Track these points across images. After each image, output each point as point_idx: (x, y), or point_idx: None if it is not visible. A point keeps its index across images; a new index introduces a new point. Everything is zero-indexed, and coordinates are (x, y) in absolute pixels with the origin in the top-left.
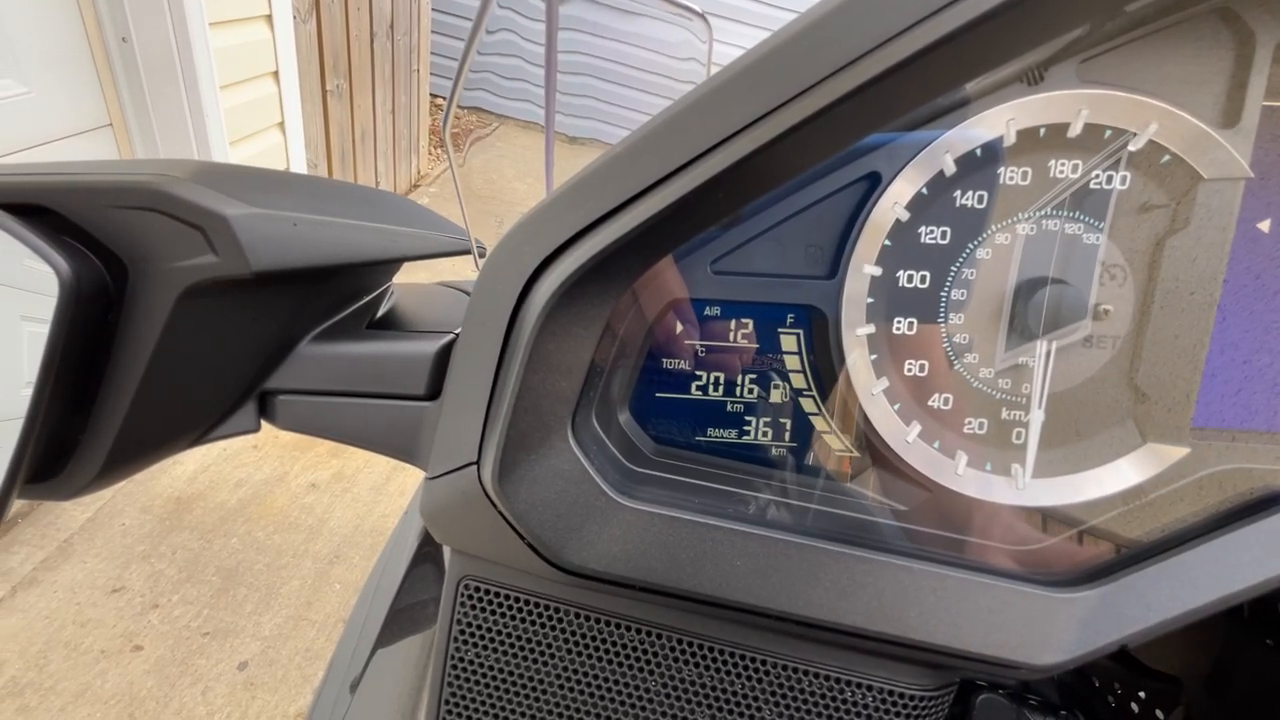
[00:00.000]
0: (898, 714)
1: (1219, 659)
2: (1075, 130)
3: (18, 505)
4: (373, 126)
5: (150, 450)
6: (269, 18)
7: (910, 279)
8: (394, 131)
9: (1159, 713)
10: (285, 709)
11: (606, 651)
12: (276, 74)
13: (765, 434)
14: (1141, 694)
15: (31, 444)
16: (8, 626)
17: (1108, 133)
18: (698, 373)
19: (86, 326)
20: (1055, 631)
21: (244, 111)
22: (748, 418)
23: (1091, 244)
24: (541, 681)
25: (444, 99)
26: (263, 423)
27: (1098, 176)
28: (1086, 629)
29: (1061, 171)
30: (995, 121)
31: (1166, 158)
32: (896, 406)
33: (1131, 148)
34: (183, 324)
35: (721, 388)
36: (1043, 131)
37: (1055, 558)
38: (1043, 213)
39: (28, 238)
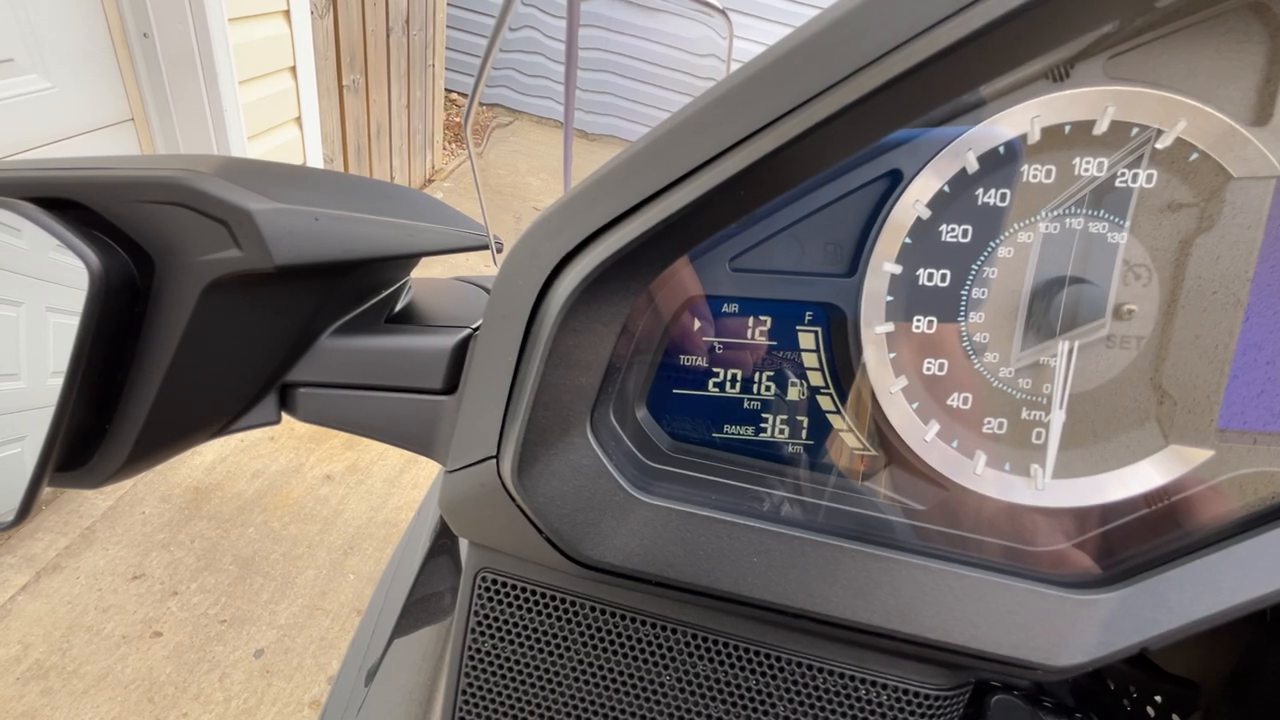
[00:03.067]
0: (912, 713)
1: (1239, 663)
2: (1101, 127)
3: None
4: (388, 121)
5: (174, 440)
6: (287, 13)
7: (930, 277)
8: (409, 127)
9: (1175, 717)
10: (300, 696)
11: (622, 645)
12: (294, 69)
13: (782, 431)
14: (1157, 698)
15: (61, 433)
16: (32, 611)
17: (1135, 130)
18: (715, 370)
19: (114, 319)
20: (1075, 633)
21: (262, 107)
22: (764, 415)
23: (1115, 243)
24: (557, 674)
25: (459, 94)
26: (282, 415)
27: (1123, 174)
28: (1107, 631)
29: (1086, 169)
30: (1020, 118)
31: (1195, 155)
32: (915, 405)
33: (1159, 145)
34: (207, 317)
35: (739, 385)
36: (1068, 129)
37: (1075, 559)
38: (1066, 211)
39: (59, 231)
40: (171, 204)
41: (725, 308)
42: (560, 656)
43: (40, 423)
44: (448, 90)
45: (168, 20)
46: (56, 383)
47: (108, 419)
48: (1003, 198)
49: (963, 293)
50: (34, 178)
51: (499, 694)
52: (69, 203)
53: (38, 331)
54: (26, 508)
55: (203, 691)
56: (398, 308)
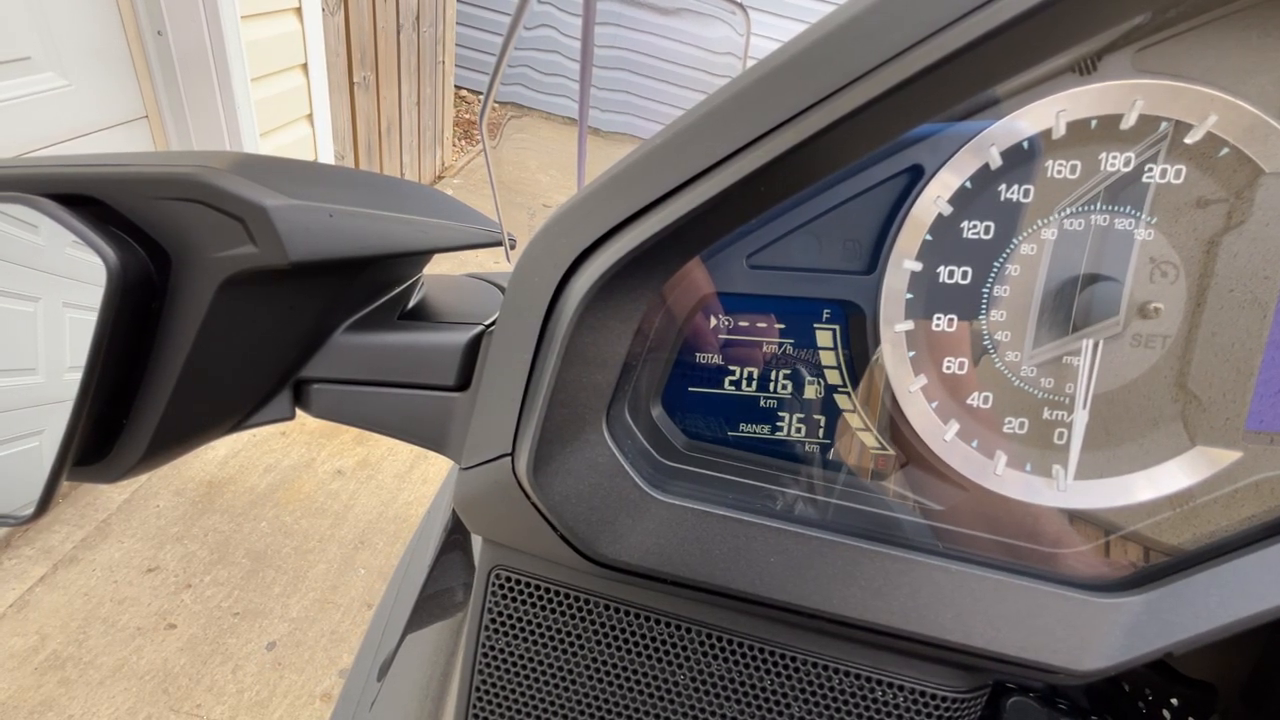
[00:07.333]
0: (929, 715)
1: (1257, 667)
2: (1129, 122)
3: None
4: (398, 118)
5: (191, 436)
6: (299, 10)
7: (951, 275)
8: (419, 123)
9: None
10: (312, 689)
11: (636, 644)
12: (305, 66)
13: (798, 430)
14: (1174, 701)
15: (79, 428)
16: (50, 602)
17: (1163, 124)
18: (731, 367)
19: (131, 315)
20: (1098, 637)
21: (274, 104)
22: (781, 413)
23: (1142, 240)
24: (571, 672)
25: (469, 90)
26: (296, 410)
27: (1150, 170)
28: (1131, 635)
29: (1112, 165)
30: (1044, 113)
31: (1225, 150)
32: (934, 404)
33: (1188, 140)
34: (223, 313)
35: (755, 383)
36: (1094, 123)
37: (1098, 562)
38: (1092, 207)
39: (77, 227)
40: (188, 200)
41: (742, 305)
42: (574, 654)
43: (58, 418)
44: (458, 87)
45: (181, 18)
46: (74, 378)
47: (125, 414)
48: (1026, 194)
49: (984, 290)
50: (52, 174)
51: (513, 691)
52: (86, 199)
53: (55, 327)
54: (46, 501)
55: (216, 683)
56: (410, 304)
